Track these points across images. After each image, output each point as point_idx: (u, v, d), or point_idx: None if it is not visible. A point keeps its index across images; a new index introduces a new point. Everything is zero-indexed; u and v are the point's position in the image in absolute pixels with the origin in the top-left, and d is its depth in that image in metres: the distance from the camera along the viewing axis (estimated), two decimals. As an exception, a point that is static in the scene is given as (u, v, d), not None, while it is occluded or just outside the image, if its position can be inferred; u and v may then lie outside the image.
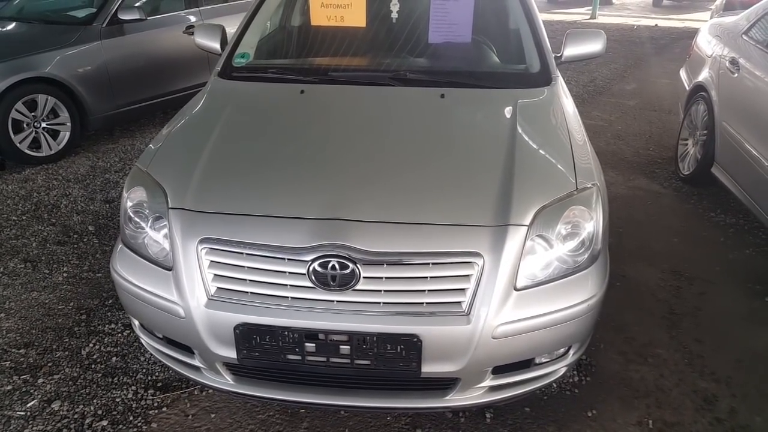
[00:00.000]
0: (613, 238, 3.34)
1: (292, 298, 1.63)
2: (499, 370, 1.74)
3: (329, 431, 2.03)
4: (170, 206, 1.77)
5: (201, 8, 5.26)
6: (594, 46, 2.63)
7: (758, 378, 2.30)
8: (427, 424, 2.06)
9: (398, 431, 2.04)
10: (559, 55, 2.62)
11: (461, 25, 2.59)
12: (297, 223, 1.65)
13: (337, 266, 1.59)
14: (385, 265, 1.61)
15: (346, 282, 1.60)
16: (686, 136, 4.22)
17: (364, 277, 1.60)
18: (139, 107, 4.82)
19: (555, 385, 2.25)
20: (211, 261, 1.67)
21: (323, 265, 1.59)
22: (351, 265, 1.59)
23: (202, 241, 1.67)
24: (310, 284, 1.62)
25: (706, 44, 4.22)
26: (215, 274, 1.67)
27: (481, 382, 1.74)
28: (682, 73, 4.61)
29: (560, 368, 1.85)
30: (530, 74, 2.49)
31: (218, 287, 1.67)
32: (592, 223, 1.78)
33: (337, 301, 1.62)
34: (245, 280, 1.66)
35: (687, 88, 4.33)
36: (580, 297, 1.71)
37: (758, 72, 3.27)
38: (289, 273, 1.63)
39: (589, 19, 12.28)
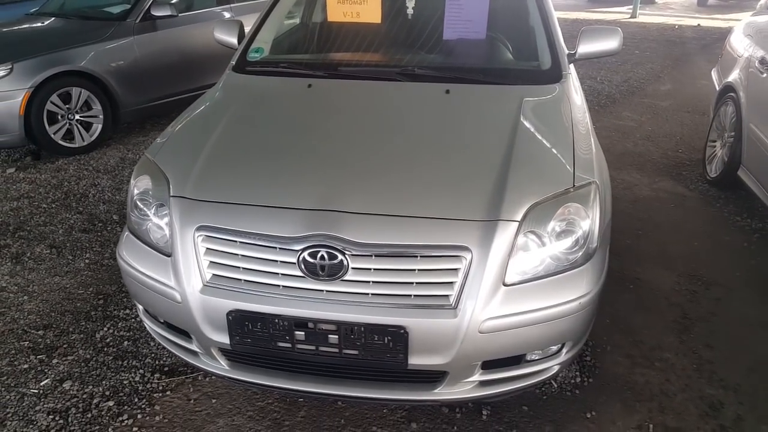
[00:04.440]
0: (630, 240, 3.29)
1: (283, 286, 1.68)
2: (488, 366, 1.75)
3: (325, 421, 2.07)
4: (171, 194, 1.84)
5: (232, 5, 5.37)
6: (610, 43, 2.58)
7: (768, 388, 2.24)
8: (423, 418, 2.08)
9: (394, 423, 2.06)
10: (573, 52, 2.58)
11: (476, 21, 2.59)
12: (289, 213, 1.69)
13: (326, 256, 1.62)
14: (373, 257, 1.63)
15: (335, 272, 1.63)
16: (714, 138, 4.10)
17: (352, 268, 1.63)
18: (169, 101, 4.96)
19: (555, 385, 2.23)
20: (207, 248, 1.73)
21: (312, 255, 1.63)
22: (339, 256, 1.62)
23: (199, 228, 1.73)
24: (300, 273, 1.66)
25: (738, 44, 4.08)
26: (211, 261, 1.73)
27: (470, 377, 1.74)
28: (714, 74, 4.48)
29: (553, 366, 1.84)
30: (540, 71, 2.46)
31: (213, 274, 1.73)
32: (587, 221, 1.76)
33: (326, 291, 1.66)
34: (239, 267, 1.71)
35: (717, 88, 4.21)
36: (572, 294, 1.70)
37: (788, 72, 3.16)
38: (280, 262, 1.67)
39: (630, 18, 11.96)
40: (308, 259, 1.63)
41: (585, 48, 2.56)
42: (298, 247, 1.64)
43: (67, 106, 4.33)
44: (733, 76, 3.86)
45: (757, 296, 2.80)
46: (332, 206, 1.69)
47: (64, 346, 2.44)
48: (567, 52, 2.56)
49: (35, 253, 3.15)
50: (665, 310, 2.70)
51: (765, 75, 3.39)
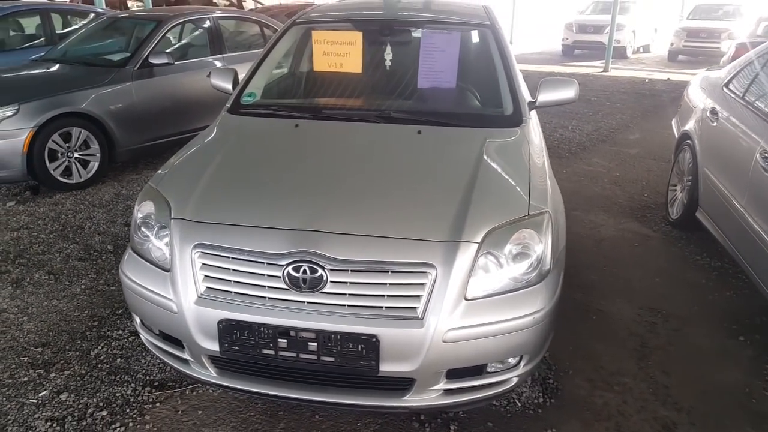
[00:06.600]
0: (595, 275, 3.51)
1: (268, 298, 1.88)
2: (453, 375, 1.94)
3: (304, 433, 2.22)
4: (172, 216, 2.06)
5: (225, 55, 5.74)
6: (567, 93, 2.85)
7: (720, 410, 2.40)
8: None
9: (367, 436, 2.22)
10: (534, 100, 2.88)
11: (447, 72, 2.90)
12: (276, 233, 1.92)
13: (308, 270, 1.83)
14: (350, 272, 1.85)
15: (315, 285, 1.84)
16: (675, 182, 4.40)
17: (331, 281, 1.84)
18: (162, 142, 5.21)
19: (519, 404, 2.40)
20: (203, 264, 1.94)
21: (296, 269, 1.84)
22: (320, 270, 1.83)
23: (197, 246, 1.95)
24: (284, 286, 1.87)
25: (694, 95, 4.46)
26: (205, 275, 1.93)
27: (436, 385, 1.93)
28: (674, 123, 4.85)
29: (512, 377, 2.02)
30: (503, 116, 2.74)
31: (207, 287, 1.93)
32: (540, 246, 1.99)
33: (308, 302, 1.86)
34: (230, 281, 1.92)
35: (676, 136, 4.56)
36: (526, 310, 1.91)
37: (734, 121, 3.49)
38: (267, 275, 1.88)
39: (602, 72, 12.59)
40: (292, 273, 1.84)
41: (545, 97, 2.85)
42: (284, 262, 1.85)
43: (67, 144, 4.56)
44: (690, 125, 4.21)
45: (713, 329, 2.99)
46: (314, 227, 1.92)
47: (61, 362, 2.59)
48: (529, 100, 2.85)
49: (34, 278, 3.31)
50: (626, 339, 2.89)
51: (715, 124, 3.72)
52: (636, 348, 2.82)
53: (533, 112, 2.89)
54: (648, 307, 3.18)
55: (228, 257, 1.91)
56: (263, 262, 1.88)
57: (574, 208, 4.58)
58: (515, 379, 2.04)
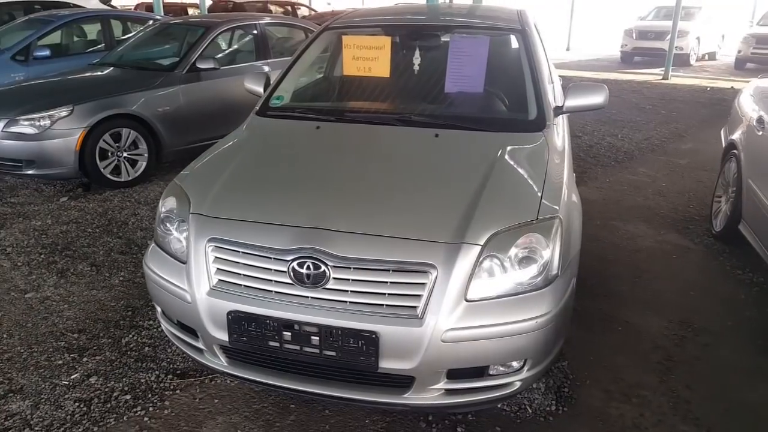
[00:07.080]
0: (626, 286, 3.42)
1: (275, 292, 1.96)
2: (453, 375, 1.95)
3: (312, 426, 2.28)
4: (191, 211, 2.17)
5: (270, 60, 5.92)
6: (596, 98, 2.80)
7: (744, 428, 2.31)
8: (401, 430, 2.26)
9: (374, 433, 2.25)
10: (560, 105, 2.84)
11: (474, 77, 2.91)
12: (283, 230, 1.99)
13: (311, 266, 1.90)
14: (352, 269, 1.90)
15: (318, 281, 1.90)
16: (720, 193, 4.23)
17: (333, 278, 1.90)
18: (208, 144, 5.39)
19: (530, 411, 2.38)
20: (216, 257, 2.04)
21: (300, 265, 1.91)
22: (323, 267, 1.89)
23: (210, 240, 2.05)
24: (289, 281, 1.94)
25: (744, 104, 4.28)
26: (218, 268, 2.03)
27: (436, 384, 1.95)
28: (722, 132, 4.66)
29: (515, 381, 2.02)
30: (525, 120, 2.72)
31: (219, 279, 2.03)
32: (548, 251, 1.98)
33: (311, 297, 1.93)
34: (240, 274, 2.01)
35: (723, 145, 4.38)
36: (530, 314, 1.90)
37: (778, 131, 3.33)
38: (274, 270, 1.96)
39: (662, 79, 12.16)
40: (297, 268, 1.91)
41: (572, 102, 2.81)
42: (289, 258, 1.93)
43: (116, 144, 4.83)
44: (736, 134, 4.04)
45: (745, 345, 2.86)
46: (320, 225, 1.98)
47: (94, 348, 2.76)
48: (554, 105, 2.82)
49: (78, 269, 3.53)
50: (650, 352, 2.80)
51: (761, 133, 3.56)
52: (660, 361, 2.73)
53: (560, 118, 2.86)
54: (678, 321, 3.07)
55: (238, 251, 2.00)
56: (270, 257, 1.96)
57: (612, 218, 4.47)
58: (518, 383, 2.03)
